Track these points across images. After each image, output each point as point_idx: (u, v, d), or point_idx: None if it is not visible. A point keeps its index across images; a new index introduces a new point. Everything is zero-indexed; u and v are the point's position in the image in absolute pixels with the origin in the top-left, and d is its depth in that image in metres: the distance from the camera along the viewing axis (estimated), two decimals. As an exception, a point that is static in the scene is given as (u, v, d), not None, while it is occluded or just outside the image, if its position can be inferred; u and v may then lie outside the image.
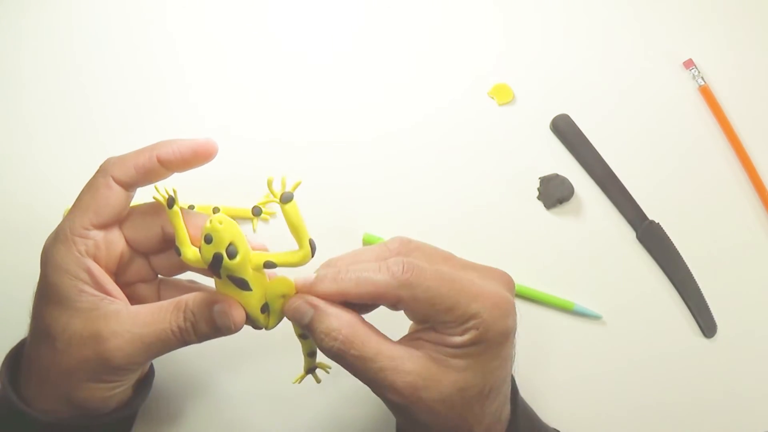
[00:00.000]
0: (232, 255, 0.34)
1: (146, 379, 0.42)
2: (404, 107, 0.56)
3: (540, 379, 0.50)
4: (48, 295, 0.37)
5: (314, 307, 0.36)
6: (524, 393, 0.49)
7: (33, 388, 0.38)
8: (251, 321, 0.37)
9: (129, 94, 0.55)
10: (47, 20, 0.57)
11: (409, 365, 0.35)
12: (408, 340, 0.37)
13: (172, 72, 0.56)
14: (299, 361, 0.40)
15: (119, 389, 0.38)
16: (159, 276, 0.42)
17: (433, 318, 0.36)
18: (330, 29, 0.59)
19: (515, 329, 0.37)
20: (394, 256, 0.37)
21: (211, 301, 0.36)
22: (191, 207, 0.50)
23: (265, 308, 0.37)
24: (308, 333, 0.37)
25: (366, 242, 0.51)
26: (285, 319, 0.38)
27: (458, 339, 0.35)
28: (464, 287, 0.35)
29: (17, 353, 0.40)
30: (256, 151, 0.54)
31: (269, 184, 0.34)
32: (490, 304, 0.35)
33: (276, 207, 0.51)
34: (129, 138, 0.54)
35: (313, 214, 0.51)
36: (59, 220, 0.50)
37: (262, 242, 0.38)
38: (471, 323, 0.35)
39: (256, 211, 0.40)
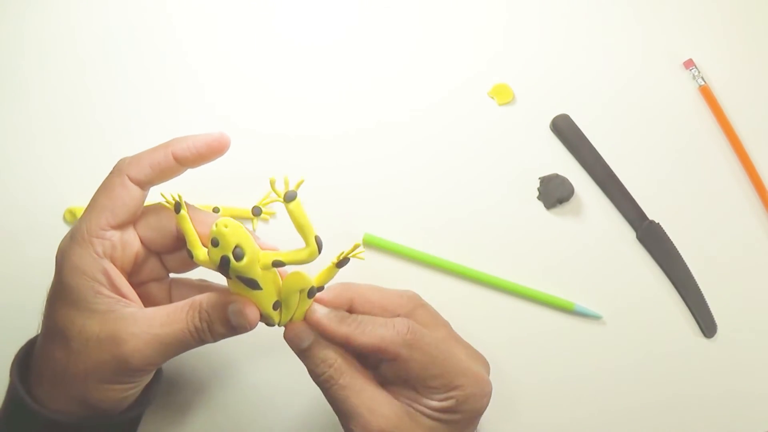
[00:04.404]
0: (238, 257, 0.34)
1: (154, 378, 0.42)
2: (404, 107, 0.56)
3: (540, 379, 0.50)
4: (63, 297, 0.37)
5: (317, 333, 0.38)
6: (524, 393, 0.50)
7: (45, 388, 0.38)
8: (264, 318, 0.38)
9: (132, 94, 0.55)
10: (49, 19, 0.57)
11: (386, 410, 0.37)
12: (386, 387, 0.39)
13: (173, 71, 0.56)
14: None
15: (134, 390, 0.38)
16: (170, 275, 0.42)
17: (421, 379, 0.38)
18: (330, 30, 0.59)
19: (485, 410, 0.40)
20: (404, 304, 0.40)
21: (226, 301, 0.36)
22: (191, 207, 0.50)
23: (276, 305, 0.38)
24: (303, 357, 0.38)
25: (366, 242, 0.51)
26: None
27: (436, 403, 0.38)
28: (455, 360, 0.39)
29: (27, 353, 0.39)
30: (255, 151, 0.54)
31: (272, 183, 0.35)
32: (473, 381, 0.39)
33: (277, 207, 0.52)
34: (130, 138, 0.54)
35: (313, 214, 0.51)
36: (59, 221, 0.50)
37: (273, 243, 0.39)
38: (453, 393, 0.38)
39: (256, 211, 0.40)
